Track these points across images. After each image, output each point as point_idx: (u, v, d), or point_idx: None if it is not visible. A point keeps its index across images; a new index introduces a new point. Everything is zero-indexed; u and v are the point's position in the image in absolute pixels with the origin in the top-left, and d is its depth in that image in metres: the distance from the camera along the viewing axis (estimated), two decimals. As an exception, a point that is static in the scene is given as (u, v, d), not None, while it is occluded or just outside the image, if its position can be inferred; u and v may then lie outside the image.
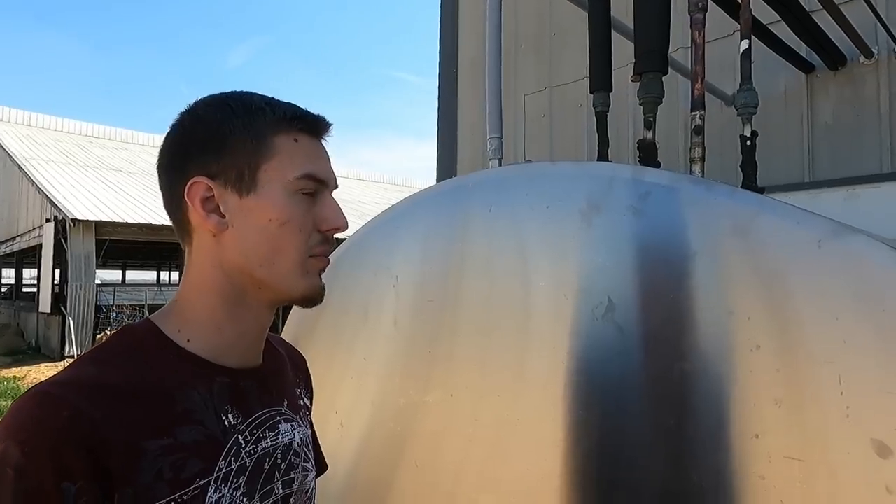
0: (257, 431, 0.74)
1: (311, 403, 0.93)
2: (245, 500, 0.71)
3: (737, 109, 0.86)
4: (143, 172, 19.48)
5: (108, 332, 12.73)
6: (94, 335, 12.98)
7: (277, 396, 0.80)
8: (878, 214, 1.79)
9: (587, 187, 0.96)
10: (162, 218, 14.71)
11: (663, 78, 0.97)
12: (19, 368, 11.84)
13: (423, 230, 1.26)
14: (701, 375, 0.79)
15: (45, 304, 13.99)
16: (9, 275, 24.43)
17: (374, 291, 1.31)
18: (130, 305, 13.11)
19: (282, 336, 1.55)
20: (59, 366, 11.71)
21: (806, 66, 1.88)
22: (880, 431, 0.65)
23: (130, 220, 13.82)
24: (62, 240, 13.15)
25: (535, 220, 1.02)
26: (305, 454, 0.83)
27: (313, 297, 0.73)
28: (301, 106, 0.75)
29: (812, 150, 1.89)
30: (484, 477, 1.03)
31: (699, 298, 0.81)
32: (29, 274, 21.36)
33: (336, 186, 0.77)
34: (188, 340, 0.72)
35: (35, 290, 17.52)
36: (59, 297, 13.53)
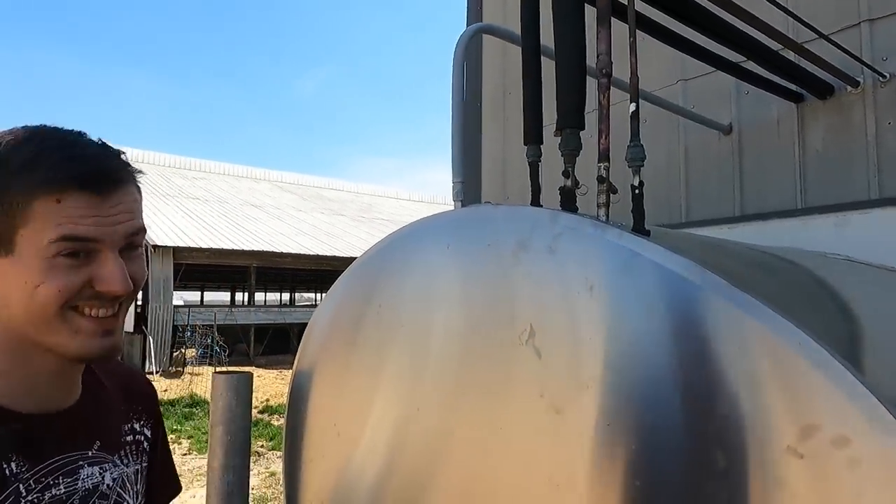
0: (46, 479, 0.73)
1: (151, 433, 0.93)
2: None
3: (627, 163, 0.99)
4: (217, 200, 20.76)
5: (184, 350, 13.63)
6: (171, 353, 13.92)
7: (85, 439, 0.79)
8: (868, 240, 1.82)
9: (517, 228, 1.11)
10: (232, 243, 15.65)
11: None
12: (105, 383, 12.81)
13: (401, 263, 1.42)
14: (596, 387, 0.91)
15: (128, 323, 15.15)
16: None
17: (363, 316, 1.49)
18: (203, 325, 13.97)
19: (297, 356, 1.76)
20: (140, 381, 12.61)
21: (795, 97, 1.93)
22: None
23: (205, 246, 14.78)
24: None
25: (478, 257, 1.17)
26: (119, 494, 0.82)
27: (89, 357, 0.74)
28: (85, 155, 0.72)
29: (804, 176, 1.93)
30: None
31: (591, 324, 0.93)
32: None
33: (130, 235, 0.74)
34: None
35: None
36: (140, 318, 14.62)
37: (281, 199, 24.50)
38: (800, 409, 0.71)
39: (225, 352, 12.41)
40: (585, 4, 1.19)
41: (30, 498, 0.70)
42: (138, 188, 0.80)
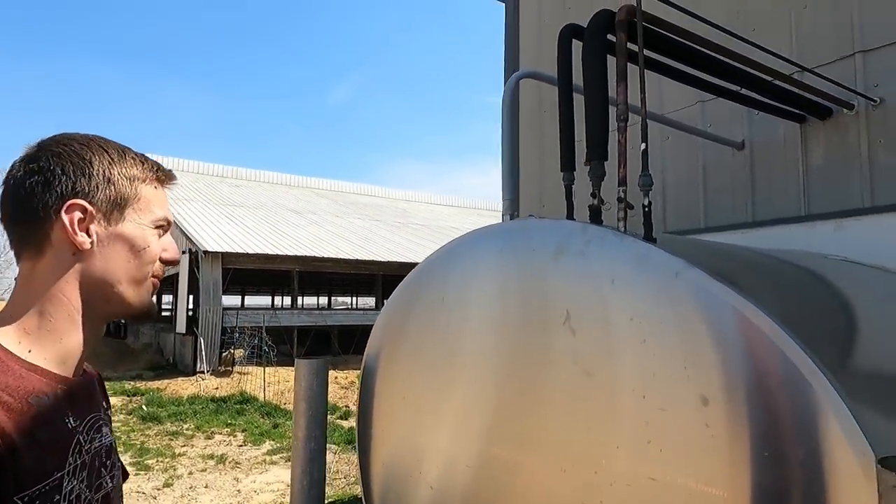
0: (89, 433, 0.85)
1: (110, 414, 1.04)
2: (87, 490, 0.82)
3: (639, 188, 1.30)
4: (260, 207, 21.51)
5: (232, 350, 14.30)
6: (220, 353, 14.59)
7: (96, 403, 0.93)
8: (863, 242, 2.08)
9: (556, 237, 1.43)
10: (275, 248, 16.29)
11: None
12: (160, 381, 13.56)
13: (461, 264, 1.75)
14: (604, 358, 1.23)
15: (180, 325, 15.89)
16: (150, 300, 27.55)
17: (429, 307, 1.83)
18: (250, 327, 14.59)
19: (368, 348, 2.10)
20: (192, 380, 13.30)
21: (799, 118, 2.19)
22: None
23: (250, 251, 15.42)
24: (195, 269, 14.96)
25: (525, 259, 1.50)
26: (116, 455, 0.96)
27: (145, 311, 0.91)
28: (150, 159, 0.94)
29: (807, 188, 2.19)
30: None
31: (613, 309, 1.25)
32: (167, 299, 24.04)
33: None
34: (29, 351, 0.80)
35: (171, 313, 19.83)
36: (191, 320, 15.36)
37: (319, 205, 25.19)
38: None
39: (273, 352, 12.97)
40: (609, 56, 1.50)
41: (86, 447, 0.83)
42: None
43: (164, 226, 0.93)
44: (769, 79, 1.89)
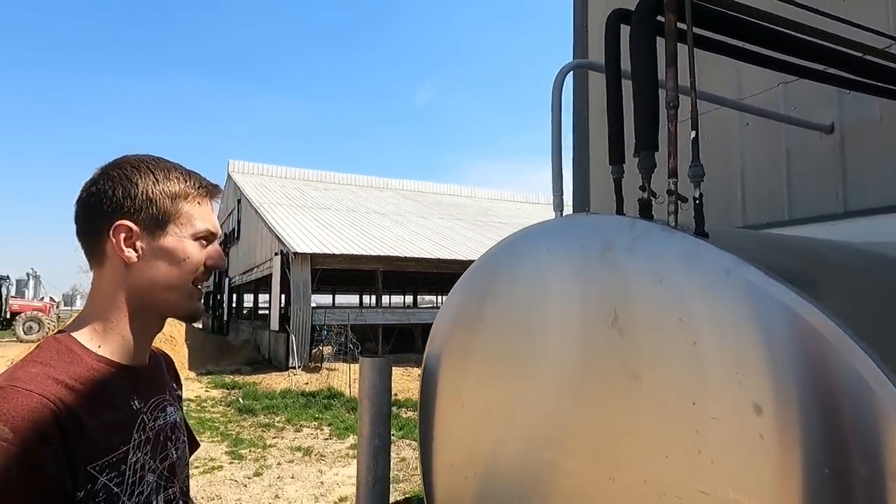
0: (153, 413, 1.00)
1: (181, 394, 1.21)
2: (151, 461, 0.96)
3: (689, 179, 1.21)
4: (346, 209, 22.28)
5: (321, 347, 14.93)
6: (310, 350, 15.26)
7: (161, 386, 1.06)
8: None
9: (603, 233, 1.36)
10: (360, 248, 16.81)
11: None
12: (256, 376, 14.39)
13: (511, 264, 1.72)
14: (661, 361, 1.15)
15: (274, 323, 16.79)
16: (248, 299, 29.42)
17: (482, 307, 1.80)
18: (337, 325, 15.14)
19: (428, 341, 2.11)
20: (285, 374, 14.01)
21: (897, 94, 1.95)
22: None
23: (337, 252, 16.00)
24: (286, 270, 15.74)
25: (573, 257, 1.44)
26: (181, 430, 1.10)
27: (194, 314, 1.02)
28: (197, 174, 1.03)
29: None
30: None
31: (661, 309, 1.17)
32: (262, 298, 25.49)
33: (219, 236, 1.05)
34: (98, 347, 0.94)
35: (267, 311, 20.99)
36: (284, 318, 16.17)
37: (402, 206, 25.72)
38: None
39: (357, 349, 13.40)
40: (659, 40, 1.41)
41: (150, 425, 0.97)
42: None
43: (207, 236, 1.01)
44: (859, 54, 1.70)
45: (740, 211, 2.54)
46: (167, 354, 1.21)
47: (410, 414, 9.69)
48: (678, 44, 1.28)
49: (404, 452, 7.38)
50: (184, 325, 20.16)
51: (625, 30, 1.46)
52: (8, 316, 25.23)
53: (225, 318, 26.91)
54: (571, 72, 1.81)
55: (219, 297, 27.53)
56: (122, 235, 0.95)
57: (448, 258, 17.87)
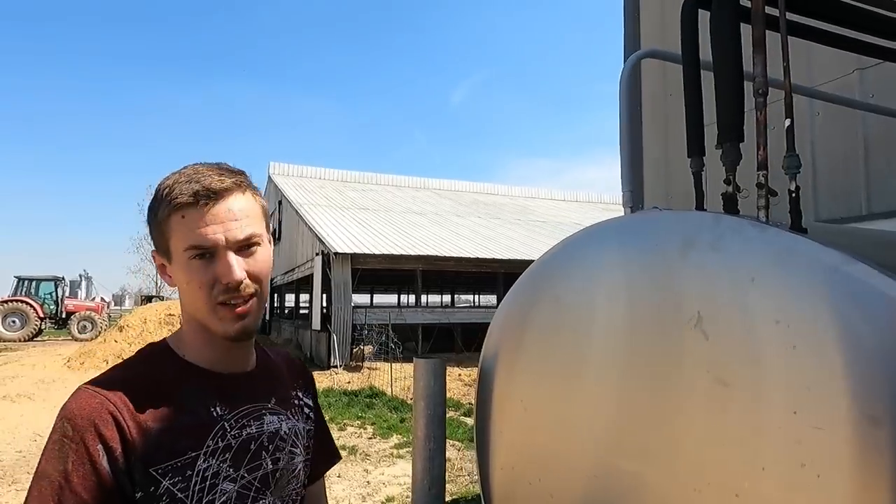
0: (241, 421, 0.96)
1: (312, 403, 1.16)
2: (231, 470, 0.92)
3: (783, 170, 1.13)
4: (385, 209, 22.43)
5: (362, 347, 15.06)
6: (352, 349, 15.40)
7: (264, 395, 1.02)
8: None
9: (683, 230, 1.29)
10: (399, 248, 16.90)
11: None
12: (299, 375, 14.55)
13: (576, 263, 1.65)
14: (754, 366, 1.07)
15: (315, 322, 17.02)
16: (290, 299, 29.94)
17: (543, 308, 1.74)
18: (378, 324, 15.25)
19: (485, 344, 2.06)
20: (327, 373, 14.19)
21: None
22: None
23: (377, 252, 16.11)
24: (327, 270, 15.93)
25: (647, 256, 1.37)
26: (293, 441, 1.04)
27: (229, 336, 0.93)
28: (202, 177, 0.90)
29: None
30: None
31: (754, 310, 1.09)
32: (304, 298, 25.90)
33: (245, 238, 0.91)
34: (184, 355, 0.96)
35: (308, 311, 21.32)
36: (325, 317, 16.37)
37: (440, 205, 25.75)
38: None
39: (399, 348, 13.47)
40: (741, 24, 1.33)
41: (232, 433, 0.94)
42: (255, 199, 0.97)
43: (203, 250, 0.89)
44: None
45: (812, 206, 2.41)
46: (298, 361, 1.20)
47: (452, 413, 9.66)
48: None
49: (449, 453, 7.35)
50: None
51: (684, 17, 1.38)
52: (63, 315, 26.31)
53: (267, 317, 27.45)
54: (637, 62, 1.73)
55: (261, 296, 27.89)
56: (158, 265, 0.97)
57: (487, 257, 17.79)
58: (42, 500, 0.81)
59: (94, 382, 0.89)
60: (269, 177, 25.84)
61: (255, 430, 0.98)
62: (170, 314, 17.71)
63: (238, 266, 0.90)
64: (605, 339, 1.46)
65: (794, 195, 1.10)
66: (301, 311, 25.03)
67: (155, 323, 17.49)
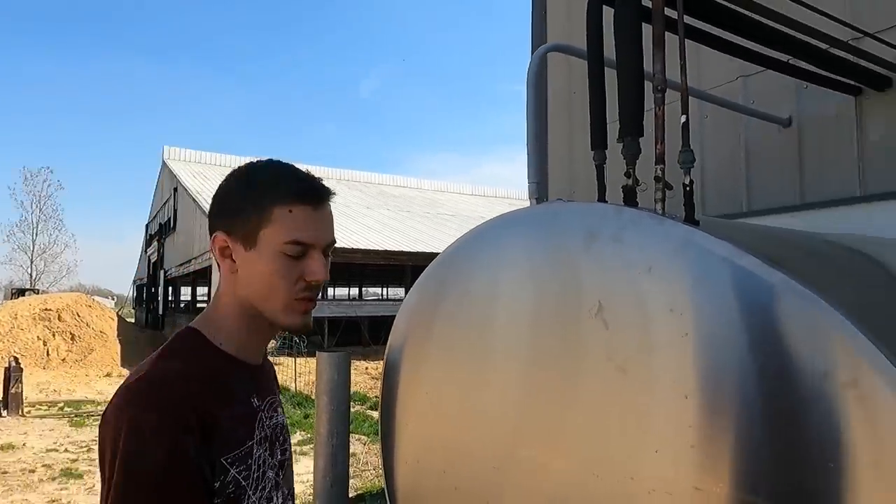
0: (269, 412, 1.01)
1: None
2: (270, 458, 0.98)
3: (679, 165, 1.18)
4: (290, 199, 21.70)
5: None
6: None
7: (273, 388, 1.07)
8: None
9: (586, 222, 1.31)
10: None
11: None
12: (196, 372, 13.82)
13: (484, 254, 1.65)
14: (656, 352, 1.11)
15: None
16: (185, 292, 28.32)
17: (449, 299, 1.73)
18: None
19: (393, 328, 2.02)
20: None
21: (854, 90, 2.01)
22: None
23: (281, 243, 15.54)
24: (227, 261, 15.16)
25: (552, 246, 1.39)
26: (287, 432, 1.10)
27: (293, 328, 0.97)
28: (306, 178, 0.96)
29: (863, 166, 2.01)
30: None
31: (650, 299, 1.13)
32: (201, 291, 24.58)
33: (330, 243, 0.97)
34: (220, 343, 0.96)
35: (205, 304, 20.21)
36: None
37: (349, 196, 25.33)
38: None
39: (303, 342, 13.10)
40: (643, 24, 1.37)
41: (267, 423, 0.98)
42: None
43: (299, 247, 0.93)
44: (824, 46, 1.72)
45: (699, 202, 2.57)
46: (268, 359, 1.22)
47: (358, 407, 9.55)
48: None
49: (354, 447, 7.25)
50: (115, 319, 19.24)
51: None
52: None
53: (160, 311, 25.78)
54: (544, 56, 1.75)
55: (154, 290, 26.34)
56: (219, 246, 0.96)
57: (395, 249, 17.71)
58: (144, 497, 0.79)
59: (161, 371, 0.89)
60: (164, 162, 24.21)
61: (275, 421, 1.02)
62: (46, 309, 16.12)
63: (325, 267, 0.96)
64: (509, 329, 1.46)
65: (688, 189, 1.14)
66: (199, 305, 23.71)
67: (28, 318, 15.83)
